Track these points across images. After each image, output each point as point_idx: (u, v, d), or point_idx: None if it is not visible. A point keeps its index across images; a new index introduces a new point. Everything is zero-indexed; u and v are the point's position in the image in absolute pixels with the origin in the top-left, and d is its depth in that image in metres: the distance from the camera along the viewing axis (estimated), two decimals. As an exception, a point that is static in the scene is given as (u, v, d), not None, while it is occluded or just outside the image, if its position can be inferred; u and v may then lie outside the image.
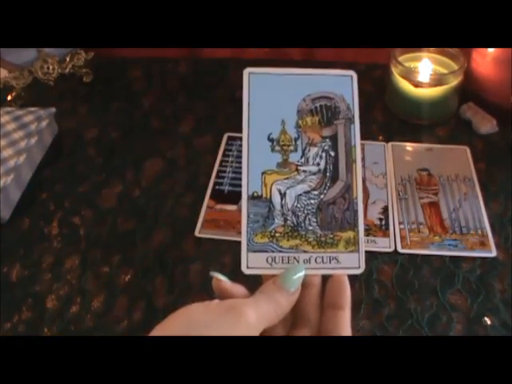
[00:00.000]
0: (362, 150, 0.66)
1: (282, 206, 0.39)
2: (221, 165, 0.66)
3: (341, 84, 0.40)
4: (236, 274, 0.53)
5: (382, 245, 0.57)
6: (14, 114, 0.67)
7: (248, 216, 0.39)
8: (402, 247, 0.56)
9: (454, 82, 0.68)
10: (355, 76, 0.40)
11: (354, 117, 0.40)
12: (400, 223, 0.58)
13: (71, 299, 0.53)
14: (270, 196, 0.39)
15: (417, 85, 0.68)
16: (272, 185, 0.39)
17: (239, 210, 0.60)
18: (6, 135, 0.64)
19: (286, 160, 0.39)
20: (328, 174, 0.40)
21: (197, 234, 0.58)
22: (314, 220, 0.39)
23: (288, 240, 0.38)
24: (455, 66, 0.69)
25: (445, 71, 0.69)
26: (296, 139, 0.40)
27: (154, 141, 0.70)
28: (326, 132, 0.40)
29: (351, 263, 0.38)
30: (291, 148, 0.40)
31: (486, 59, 0.69)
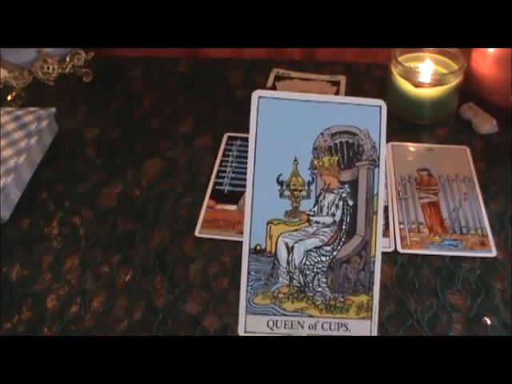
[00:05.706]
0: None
1: (288, 263, 0.34)
2: (221, 165, 0.66)
3: (366, 116, 0.34)
4: (236, 274, 0.53)
5: (382, 245, 0.57)
6: (14, 114, 0.67)
7: (249, 273, 0.34)
8: (402, 247, 0.56)
9: (454, 82, 0.68)
10: (384, 107, 0.34)
11: (379, 158, 0.34)
12: (400, 223, 0.58)
13: (71, 299, 0.53)
14: (276, 250, 0.34)
15: (417, 85, 0.68)
16: (278, 237, 0.34)
17: (239, 210, 0.61)
18: (6, 135, 0.64)
19: (296, 208, 0.34)
20: (344, 227, 0.35)
21: (197, 234, 0.58)
22: (324, 280, 0.34)
23: (293, 302, 0.34)
24: (455, 66, 0.69)
25: (445, 71, 0.69)
26: (310, 183, 0.34)
27: (154, 141, 0.70)
28: (346, 176, 0.34)
29: (362, 331, 0.34)
30: (303, 194, 0.34)
31: (486, 59, 0.69)
